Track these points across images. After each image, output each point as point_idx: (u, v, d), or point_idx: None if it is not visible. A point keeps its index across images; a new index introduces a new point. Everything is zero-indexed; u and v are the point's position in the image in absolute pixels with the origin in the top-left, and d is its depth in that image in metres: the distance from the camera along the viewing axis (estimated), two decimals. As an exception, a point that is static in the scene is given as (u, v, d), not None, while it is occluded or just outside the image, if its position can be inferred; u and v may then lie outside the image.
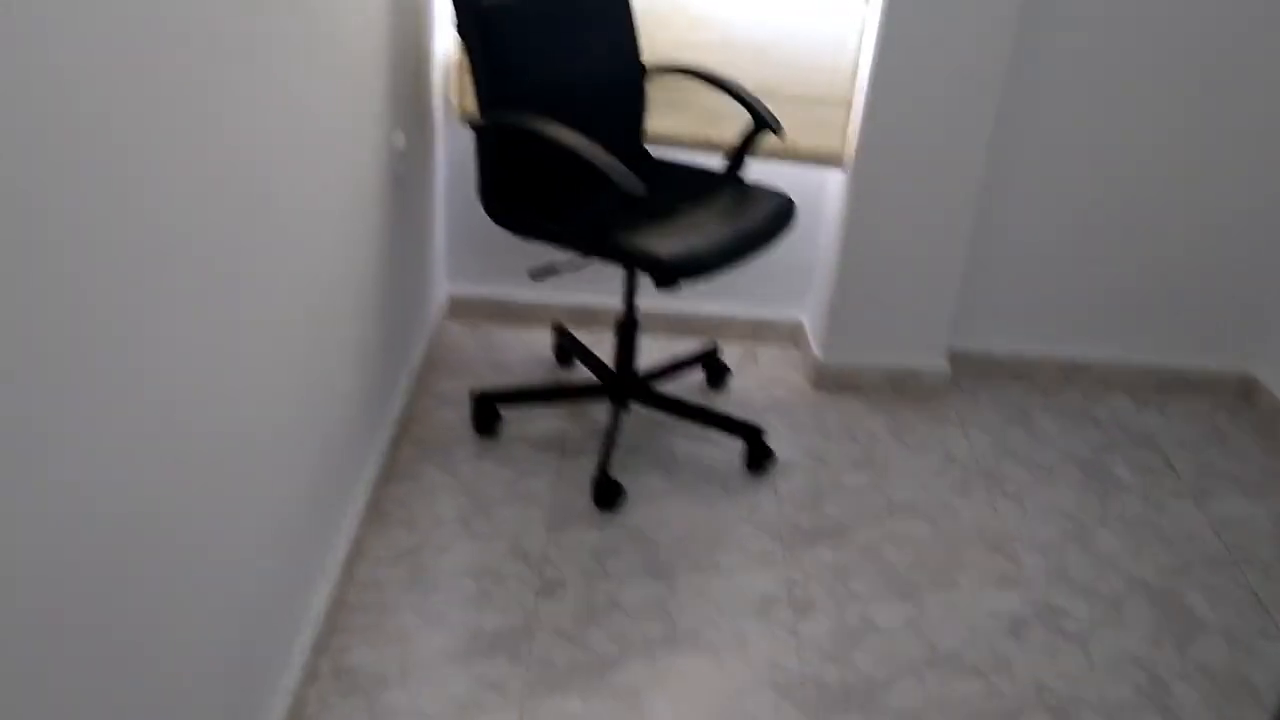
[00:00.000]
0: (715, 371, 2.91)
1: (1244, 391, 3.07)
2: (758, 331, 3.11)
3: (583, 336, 3.05)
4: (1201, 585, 2.35)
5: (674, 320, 3.10)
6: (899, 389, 2.95)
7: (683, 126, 2.78)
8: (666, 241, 2.24)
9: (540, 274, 2.44)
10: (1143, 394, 3.06)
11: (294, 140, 1.62)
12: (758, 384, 2.94)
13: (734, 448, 2.66)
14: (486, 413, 2.61)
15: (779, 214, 2.43)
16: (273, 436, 1.63)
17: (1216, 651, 2.18)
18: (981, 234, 2.91)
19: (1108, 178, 2.84)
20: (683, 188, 2.51)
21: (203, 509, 1.39)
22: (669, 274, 2.20)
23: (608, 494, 2.41)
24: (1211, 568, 2.40)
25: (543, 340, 3.02)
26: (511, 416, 2.69)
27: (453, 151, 2.89)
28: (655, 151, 2.70)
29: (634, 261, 2.23)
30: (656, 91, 2.77)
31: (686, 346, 3.06)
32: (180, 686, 1.37)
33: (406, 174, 2.42)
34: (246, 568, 1.57)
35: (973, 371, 3.06)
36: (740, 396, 2.87)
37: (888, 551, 2.37)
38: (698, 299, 3.08)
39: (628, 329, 2.57)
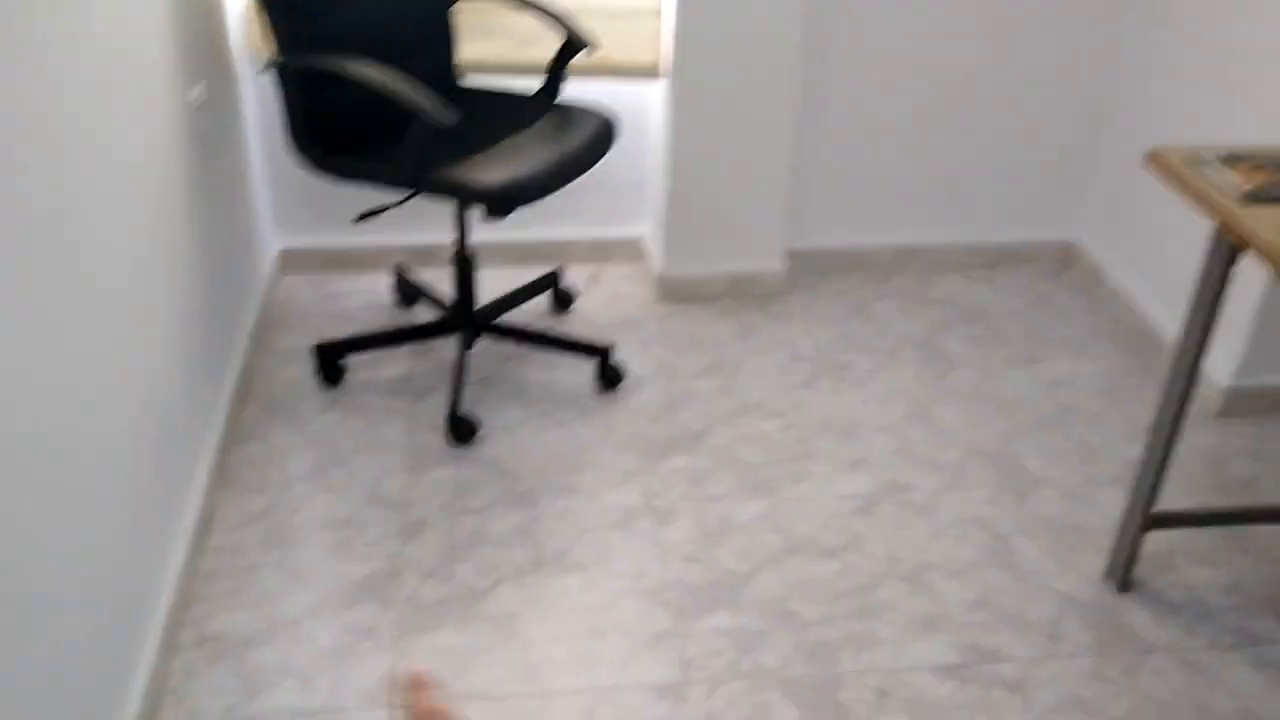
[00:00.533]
0: (560, 296, 2.92)
1: (1065, 257, 3.22)
2: (600, 251, 3.12)
3: (425, 276, 3.02)
4: (1036, 445, 2.48)
5: (516, 250, 3.08)
6: (741, 293, 3.00)
7: (496, 52, 2.74)
8: (489, 171, 2.22)
9: (366, 216, 2.39)
10: (972, 271, 3.18)
11: (72, 108, 1.55)
12: (604, 303, 2.96)
13: (585, 370, 2.68)
14: (330, 364, 2.57)
15: (600, 133, 2.43)
16: (100, 414, 1.58)
17: (1052, 504, 2.31)
18: (806, 133, 2.96)
19: (925, 67, 2.91)
20: (501, 115, 2.48)
21: (36, 490, 1.34)
22: (496, 203, 2.18)
23: (462, 430, 2.41)
24: (1044, 427, 2.54)
25: (383, 285, 2.97)
26: (356, 365, 2.65)
27: (265, 100, 2.79)
28: (471, 81, 2.66)
29: (459, 194, 2.21)
30: (466, 18, 2.73)
31: (532, 275, 3.06)
32: (36, 671, 1.34)
33: (210, 129, 2.34)
34: (89, 547, 1.53)
35: (811, 268, 3.14)
36: (587, 318, 2.89)
37: (741, 451, 2.44)
38: (538, 226, 3.07)
39: (464, 262, 2.55)
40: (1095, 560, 2.16)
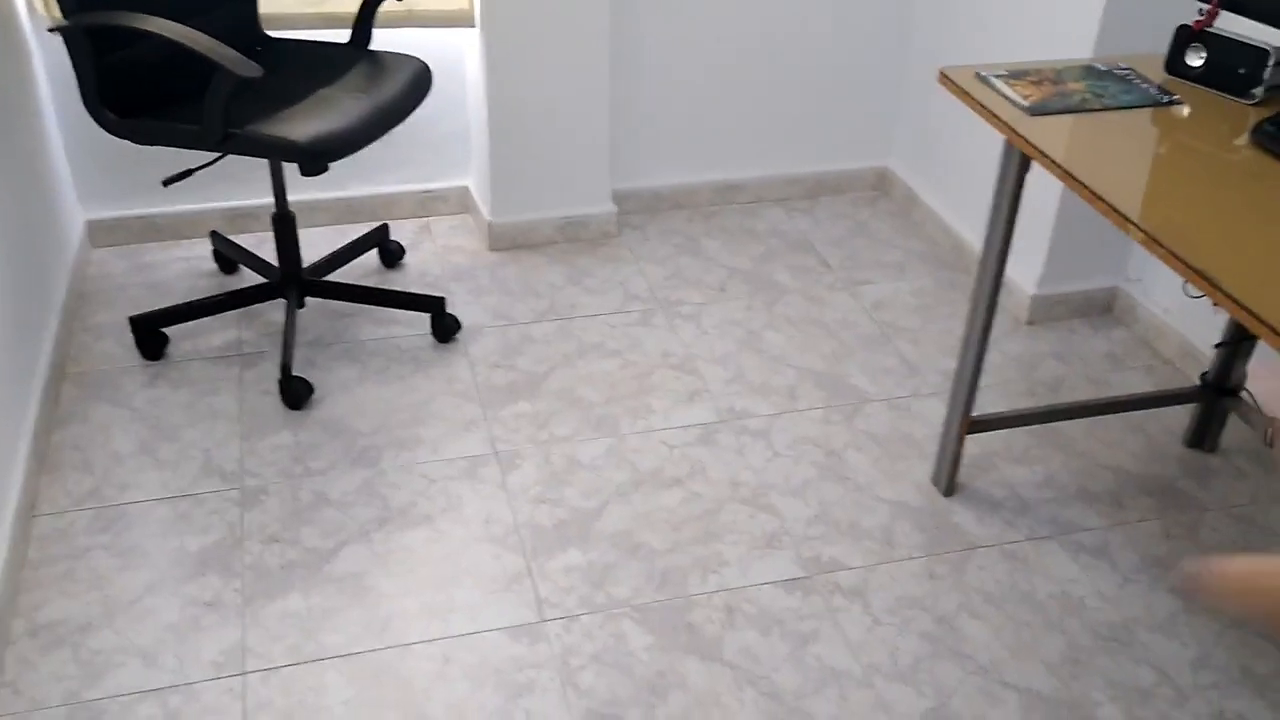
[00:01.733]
0: (389, 251, 2.87)
1: (880, 184, 3.34)
2: (427, 204, 3.08)
3: (246, 239, 2.92)
4: (861, 364, 2.59)
5: (341, 207, 3.01)
6: (572, 238, 3.02)
7: (299, 5, 2.65)
8: (301, 125, 2.16)
9: (174, 179, 2.30)
10: (793, 203, 3.27)
11: None
12: (434, 256, 2.93)
13: (421, 323, 2.65)
14: (149, 336, 2.48)
15: (416, 81, 2.39)
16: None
17: (879, 418, 2.42)
18: (624, 74, 2.97)
19: (734, 11, 2.95)
20: (311, 67, 2.41)
21: None
22: (310, 157, 2.13)
23: (295, 393, 2.36)
24: (869, 347, 2.65)
25: (202, 252, 2.87)
26: (179, 335, 2.56)
27: (58, 65, 2.64)
28: (276, 35, 2.57)
29: (269, 151, 2.14)
30: (265, -30, 2.62)
31: (359, 232, 2.99)
32: None
33: (-3, 95, 2.20)
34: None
35: (639, 208, 3.17)
36: (419, 271, 2.86)
37: (582, 392, 2.46)
38: (360, 182, 3.01)
39: (285, 221, 2.48)
40: (922, 468, 2.28)
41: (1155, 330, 2.66)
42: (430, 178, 3.06)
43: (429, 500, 2.16)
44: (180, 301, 2.63)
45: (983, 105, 1.79)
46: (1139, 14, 2.38)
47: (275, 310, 2.67)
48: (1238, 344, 2.20)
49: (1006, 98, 1.80)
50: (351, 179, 3.00)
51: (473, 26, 2.76)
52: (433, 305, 2.58)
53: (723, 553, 2.06)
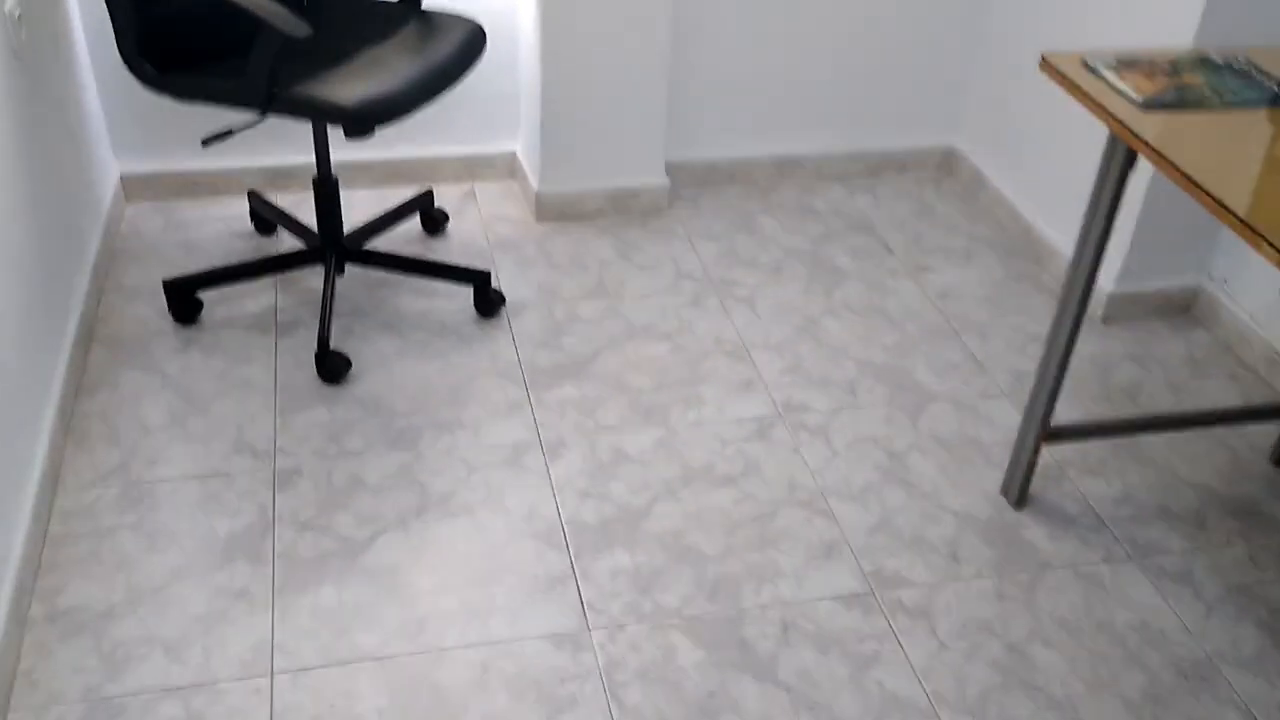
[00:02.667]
0: (432, 218, 2.75)
1: (945, 164, 3.18)
2: (473, 169, 2.95)
3: (284, 199, 2.81)
4: (926, 358, 2.45)
5: (384, 169, 2.89)
6: (622, 210, 2.88)
7: (350, -46, 2.51)
8: (348, 86, 2.03)
9: (214, 139, 2.18)
10: (854, 180, 3.12)
11: None
12: (479, 224, 2.80)
13: (464, 296, 2.54)
14: (184, 300, 2.37)
15: (468, 43, 2.25)
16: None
17: (945, 419, 2.29)
18: (683, 41, 2.82)
19: (798, -35, 2.79)
20: (360, 24, 2.28)
21: None
22: (356, 121, 2.00)
23: (332, 367, 2.26)
24: (933, 340, 2.51)
25: (239, 211, 2.75)
26: (214, 300, 2.45)
27: (97, 11, 2.52)
28: (324, -14, 2.44)
29: (315, 112, 2.02)
30: (314, -83, 2.48)
31: (402, 196, 2.87)
32: None
33: (32, 44, 2.09)
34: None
35: (692, 181, 3.03)
36: (463, 239, 2.73)
37: (631, 377, 2.34)
38: (405, 144, 2.88)
39: (327, 187, 2.36)
40: (990, 476, 2.15)
41: (1239, 335, 2.50)
42: (477, 142, 2.93)
43: (469, 489, 2.05)
44: (216, 264, 2.52)
45: (1090, 97, 1.64)
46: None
47: (314, 276, 2.55)
48: (1339, 359, 2.05)
49: (1117, 89, 1.65)
50: (396, 140, 2.87)
51: (529, -16, 2.62)
52: (477, 278, 2.46)
53: (778, 561, 1.94)
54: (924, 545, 1.99)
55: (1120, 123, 1.58)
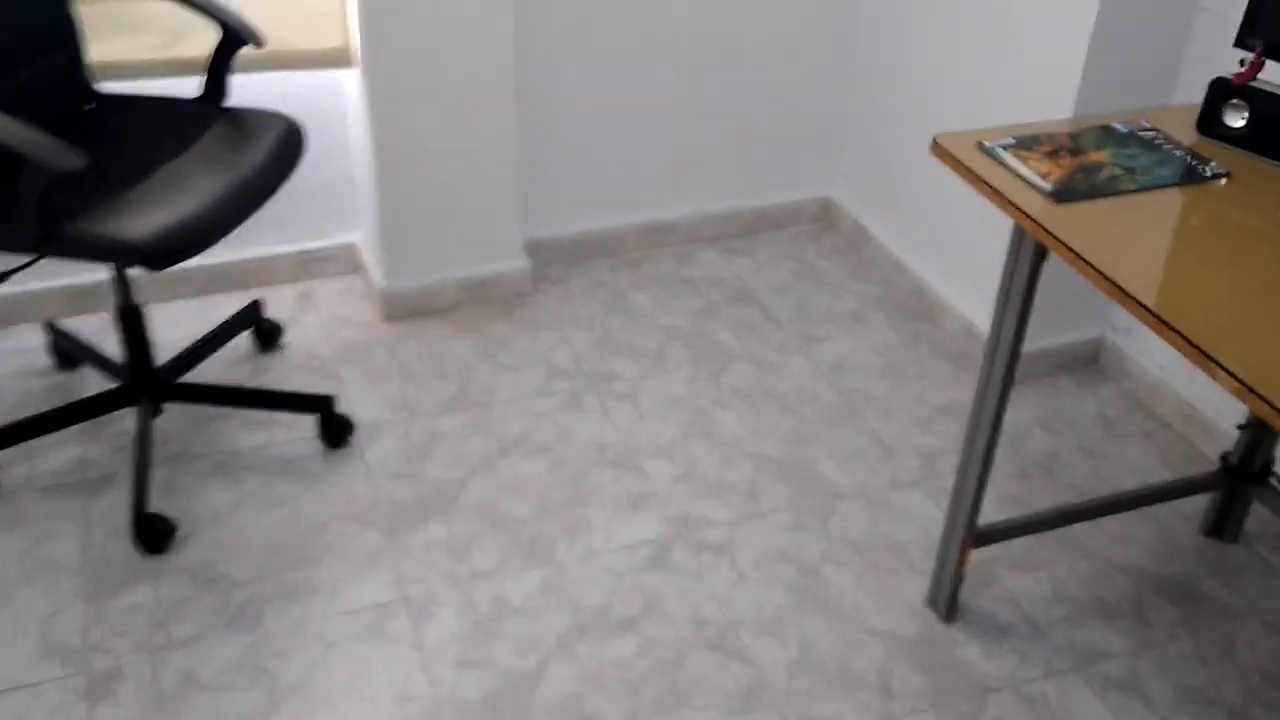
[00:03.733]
0: (263, 332, 2.43)
1: (824, 217, 2.99)
2: (309, 267, 2.64)
3: (89, 324, 2.46)
4: (827, 446, 2.24)
5: (204, 277, 2.56)
6: (481, 300, 2.61)
7: (140, 50, 2.19)
8: (141, 216, 1.73)
9: (-13, 282, 1.85)
10: (730, 242, 2.90)
11: None
12: (320, 331, 2.49)
13: (307, 423, 2.23)
14: (-31, 470, 2.02)
15: (283, 146, 1.96)
16: None
17: (857, 519, 2.08)
18: (533, 110, 2.57)
19: (656, 32, 2.56)
20: (154, 133, 1.97)
21: None
22: (151, 259, 1.70)
23: (153, 532, 1.93)
24: (833, 423, 2.31)
25: (35, 342, 2.39)
26: (9, 458, 2.10)
27: None
28: (112, 88, 2.11)
29: (101, 254, 1.70)
30: (98, 9, 2.16)
31: (229, 304, 2.55)
32: None
33: None
34: None
35: (557, 259, 2.77)
36: (302, 352, 2.43)
37: (506, 505, 2.07)
38: (227, 246, 2.55)
39: (130, 318, 2.04)
40: (913, 584, 1.95)
41: (1148, 388, 2.36)
42: (312, 236, 2.62)
43: (326, 672, 1.75)
44: (7, 414, 2.17)
45: (995, 190, 1.44)
46: (1131, 30, 2.06)
47: (130, 416, 2.22)
48: (1264, 425, 1.91)
49: (1022, 177, 1.46)
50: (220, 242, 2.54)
51: (350, 67, 2.33)
52: (319, 405, 2.16)
53: (687, 718, 1.70)
54: (851, 680, 1.77)
55: (1034, 221, 1.38)
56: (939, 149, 1.53)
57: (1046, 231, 1.37)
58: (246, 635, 1.80)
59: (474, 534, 2.01)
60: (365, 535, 2.00)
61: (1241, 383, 1.10)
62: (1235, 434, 1.97)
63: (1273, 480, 1.95)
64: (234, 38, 2.03)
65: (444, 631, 1.83)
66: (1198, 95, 2.04)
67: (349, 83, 2.41)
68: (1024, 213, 1.40)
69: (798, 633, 1.85)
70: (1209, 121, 1.56)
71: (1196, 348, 1.15)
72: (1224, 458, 1.98)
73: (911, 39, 2.54)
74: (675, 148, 2.75)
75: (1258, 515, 2.09)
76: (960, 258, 2.51)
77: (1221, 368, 1.12)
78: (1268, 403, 1.07)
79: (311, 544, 1.97)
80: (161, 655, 1.76)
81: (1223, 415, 2.20)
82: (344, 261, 2.66)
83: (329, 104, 2.47)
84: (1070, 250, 1.32)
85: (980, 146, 1.52)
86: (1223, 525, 2.05)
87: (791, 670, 1.78)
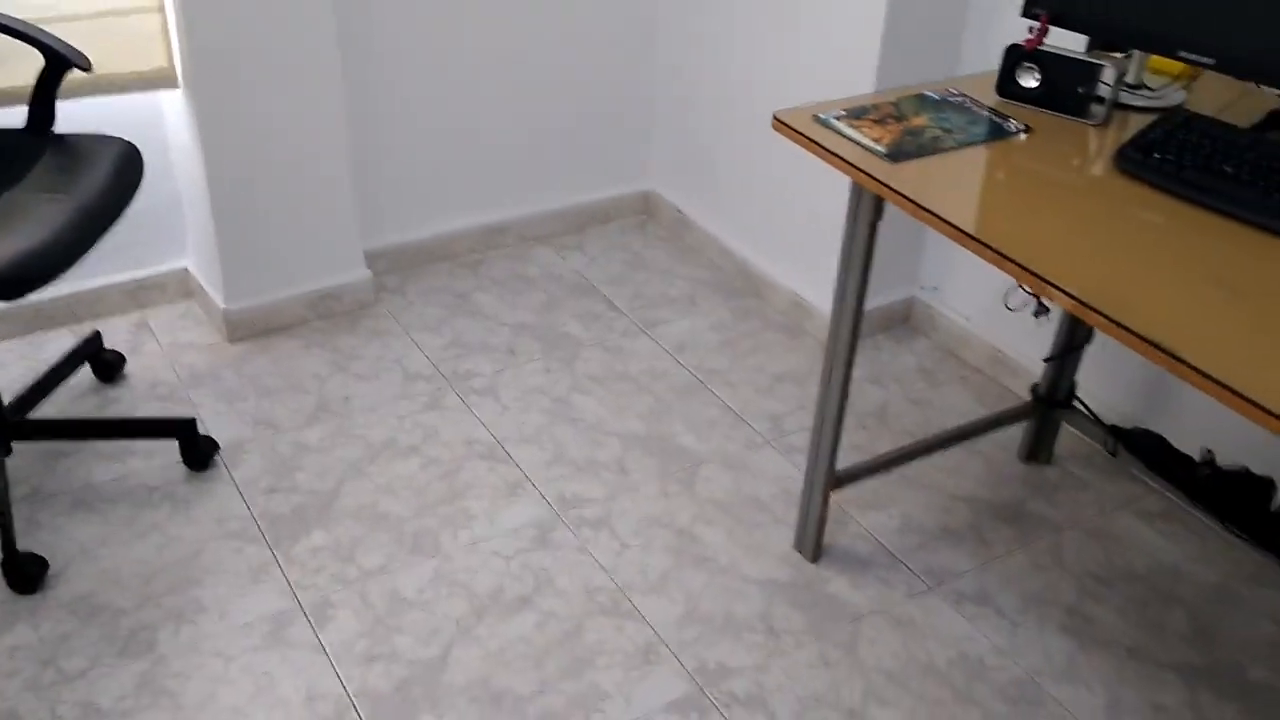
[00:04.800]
0: (105, 363, 2.37)
1: (646, 209, 3.14)
2: (140, 297, 2.58)
3: (-91, 373, 2.33)
4: (683, 418, 2.38)
5: (30, 313, 2.47)
6: (326, 314, 2.62)
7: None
8: (-12, 245, 1.68)
9: None
10: (562, 239, 3.01)
11: None
12: (162, 359, 2.45)
13: (164, 451, 2.20)
14: None
15: (123, 168, 1.95)
16: None
17: (720, 481, 2.22)
18: (360, 120, 2.60)
19: (477, 38, 2.64)
20: (-18, 162, 1.91)
21: None
22: (6, 289, 1.66)
23: (24, 573, 1.87)
24: (685, 397, 2.44)
25: None
26: None
27: None
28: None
29: (-50, 285, 1.65)
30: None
31: (59, 342, 2.46)
32: None
33: None
34: None
35: (395, 267, 2.81)
36: (147, 380, 2.38)
37: (385, 505, 2.11)
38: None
39: (-28, 358, 1.97)
40: (779, 534, 2.10)
41: (957, 339, 2.61)
42: (140, 264, 2.57)
43: (230, 685, 1.75)
44: None
45: (836, 154, 1.60)
46: (920, 8, 2.29)
47: (-28, 462, 2.13)
48: (1066, 355, 2.15)
49: (859, 144, 1.62)
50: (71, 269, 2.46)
51: (175, 88, 2.31)
52: (180, 429, 2.14)
53: (599, 683, 1.79)
54: (738, 625, 1.90)
55: (877, 180, 1.55)
56: (780, 124, 1.68)
57: (889, 188, 1.53)
58: (141, 660, 1.78)
59: (357, 536, 2.04)
60: (247, 550, 1.99)
61: (1075, 299, 1.28)
62: (1039, 371, 2.21)
63: (1076, 403, 2.20)
64: (60, 63, 1.99)
65: (344, 631, 1.85)
66: (979, 64, 2.30)
67: (172, 105, 2.38)
68: (866, 173, 1.56)
69: (682, 589, 1.97)
70: (1007, 84, 1.78)
71: (1030, 272, 1.34)
72: (1033, 389, 2.23)
73: (713, 28, 2.71)
74: (502, 150, 2.83)
75: (1066, 437, 2.35)
76: (782, 234, 2.69)
77: (1056, 287, 1.30)
78: (1101, 314, 1.26)
79: (191, 566, 1.95)
80: (54, 690, 1.72)
81: (1025, 355, 2.45)
82: (177, 287, 2.62)
83: (148, 128, 2.43)
84: (910, 201, 1.49)
85: (816, 119, 1.68)
86: (1038, 450, 2.29)
87: (682, 623, 1.90)
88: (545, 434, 2.31)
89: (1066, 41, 1.75)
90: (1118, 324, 1.24)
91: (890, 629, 1.91)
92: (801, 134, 1.65)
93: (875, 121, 1.69)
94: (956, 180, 1.55)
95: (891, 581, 2.01)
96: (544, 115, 2.85)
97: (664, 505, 2.15)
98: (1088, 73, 1.70)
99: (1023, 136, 1.68)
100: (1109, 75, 1.70)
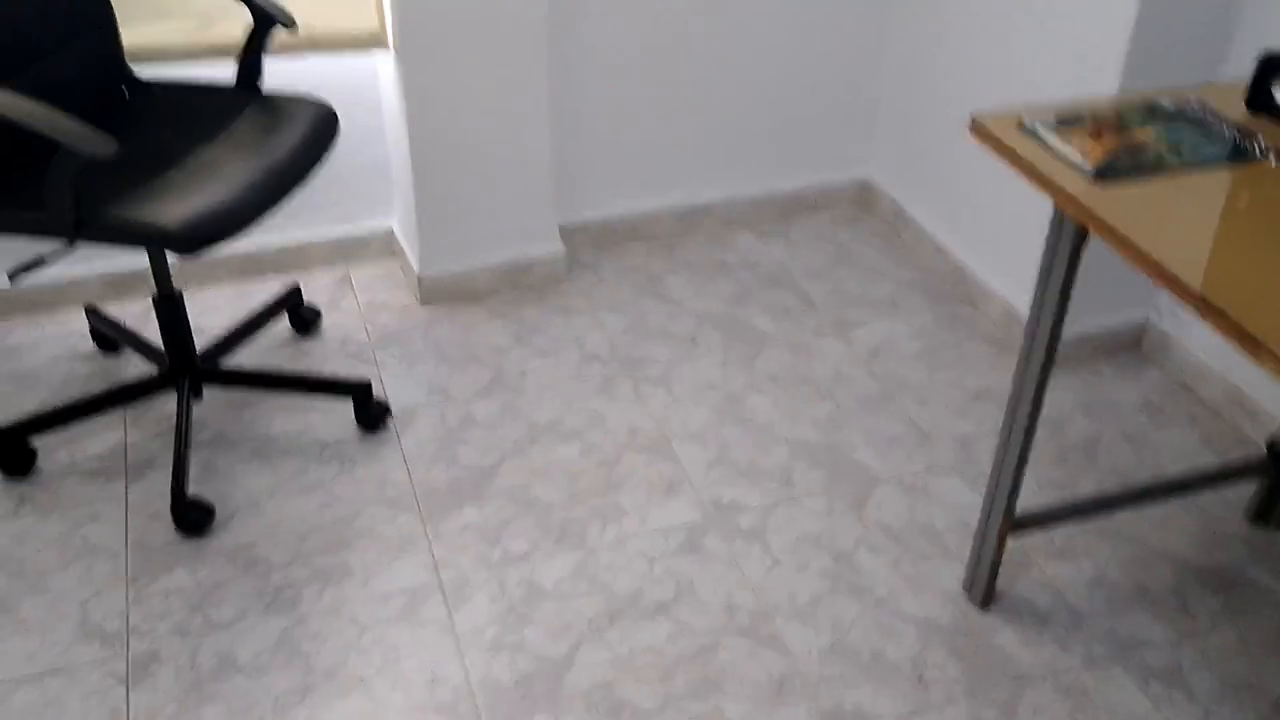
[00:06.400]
0: (301, 317, 2.44)
1: (861, 200, 2.96)
2: (347, 252, 2.65)
3: (131, 310, 2.48)
4: (863, 431, 2.22)
5: (242, 262, 2.58)
6: (516, 285, 2.61)
7: (174, 35, 2.20)
8: (173, 202, 1.73)
9: (21, 272, 1.86)
10: (765, 225, 2.88)
11: None
12: (357, 316, 2.50)
13: (344, 408, 2.24)
14: (15, 450, 2.04)
15: (317, 131, 1.97)
16: None
17: (893, 504, 2.06)
18: (565, 94, 2.55)
19: (689, 13, 2.54)
20: (188, 119, 1.98)
21: None
22: (183, 244, 1.71)
23: (192, 516, 1.95)
24: (869, 408, 2.28)
25: (78, 327, 2.42)
26: (52, 443, 2.13)
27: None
28: (147, 73, 2.12)
29: (134, 239, 1.71)
30: (128, -6, 2.17)
31: (266, 290, 2.56)
32: None
33: None
34: None
35: (591, 244, 2.76)
36: (340, 337, 2.44)
37: (539, 490, 2.07)
38: (265, 231, 2.57)
39: (168, 306, 2.05)
40: (949, 570, 1.92)
41: (1194, 371, 2.32)
42: (349, 220, 2.63)
43: (361, 655, 1.76)
44: (52, 395, 2.20)
45: (1036, 170, 1.41)
46: (1176, 11, 2.01)
47: (170, 402, 2.24)
48: (1314, 410, 1.86)
49: (1063, 157, 1.42)
50: (254, 228, 2.56)
51: (386, 49, 2.33)
52: (356, 391, 2.17)
53: (724, 709, 1.69)
54: (885, 667, 1.75)
55: (1074, 201, 1.35)
56: (978, 128, 1.50)
57: (1087, 211, 1.33)
58: (282, 618, 1.82)
59: (506, 518, 2.01)
60: (400, 520, 2.00)
61: (1286, 367, 1.07)
62: (1282, 419, 1.93)
63: (1321, 467, 1.90)
64: (265, 21, 2.03)
65: (476, 616, 1.83)
66: (1247, 71, 2.00)
67: (383, 67, 2.41)
68: (1064, 193, 1.36)
69: (831, 618, 1.83)
70: (1259, 97, 1.52)
71: (1242, 330, 1.12)
72: (1272, 442, 1.94)
73: (949, 14, 2.50)
74: (709, 130, 2.73)
75: (1305, 502, 2.04)
76: (1001, 240, 2.47)
77: (1270, 351, 1.09)
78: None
79: (347, 528, 1.98)
80: (199, 638, 1.78)
81: (1270, 399, 2.15)
82: (381, 247, 2.67)
83: (365, 89, 2.47)
84: (1112, 231, 1.29)
85: (1020, 125, 1.49)
86: (1268, 511, 2.00)
87: (824, 657, 1.77)
88: (712, 432, 2.21)
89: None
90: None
91: (1058, 698, 1.71)
92: (1000, 141, 1.46)
93: (1090, 133, 1.48)
94: (1174, 209, 1.33)
95: (1069, 643, 1.80)
96: (760, 94, 2.72)
97: (827, 524, 2.01)
98: (1363, 87, 1.43)
99: (1271, 160, 1.43)
100: (1390, 92, 1.42)
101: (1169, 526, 2.02)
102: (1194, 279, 1.20)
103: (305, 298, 2.53)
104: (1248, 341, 1.12)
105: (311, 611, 1.83)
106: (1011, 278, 2.46)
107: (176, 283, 2.54)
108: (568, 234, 2.70)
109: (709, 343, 2.46)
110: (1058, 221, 1.50)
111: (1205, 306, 1.17)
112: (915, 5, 2.62)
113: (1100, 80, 2.08)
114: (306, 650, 1.77)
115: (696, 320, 2.52)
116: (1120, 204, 1.34)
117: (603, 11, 2.48)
